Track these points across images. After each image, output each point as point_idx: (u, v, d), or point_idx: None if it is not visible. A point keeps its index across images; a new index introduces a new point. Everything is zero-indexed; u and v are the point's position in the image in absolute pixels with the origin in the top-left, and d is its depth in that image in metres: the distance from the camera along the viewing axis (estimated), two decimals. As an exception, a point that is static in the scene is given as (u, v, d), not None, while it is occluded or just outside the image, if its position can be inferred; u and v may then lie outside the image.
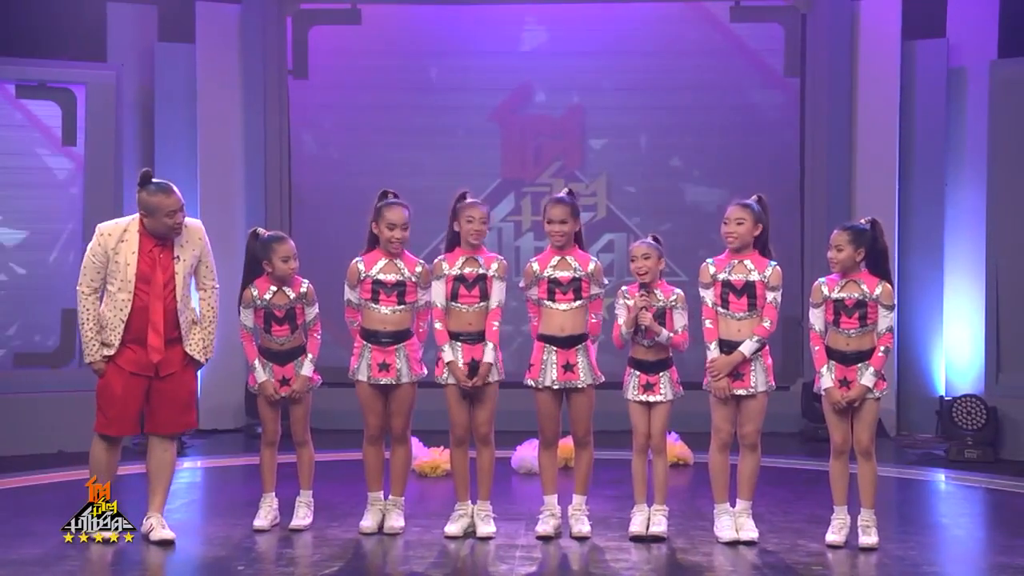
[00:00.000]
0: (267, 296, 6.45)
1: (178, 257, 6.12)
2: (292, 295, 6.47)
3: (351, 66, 11.09)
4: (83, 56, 10.26)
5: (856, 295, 6.08)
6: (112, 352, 6.06)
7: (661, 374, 6.28)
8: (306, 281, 6.56)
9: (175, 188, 6.15)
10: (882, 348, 6.08)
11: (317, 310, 6.58)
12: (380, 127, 11.05)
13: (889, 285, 6.14)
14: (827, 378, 6.11)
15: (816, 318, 6.18)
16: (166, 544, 6.03)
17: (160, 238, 6.09)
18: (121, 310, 6.03)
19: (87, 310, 6.07)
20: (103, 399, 6.12)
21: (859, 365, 6.06)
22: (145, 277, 6.03)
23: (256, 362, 6.48)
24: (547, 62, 11.00)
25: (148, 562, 5.82)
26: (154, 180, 6.14)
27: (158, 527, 6.10)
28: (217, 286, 6.35)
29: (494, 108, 11.08)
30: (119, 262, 6.03)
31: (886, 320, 6.10)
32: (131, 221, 6.13)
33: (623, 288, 6.39)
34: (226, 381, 10.54)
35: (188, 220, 6.21)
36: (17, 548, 6.01)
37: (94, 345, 6.08)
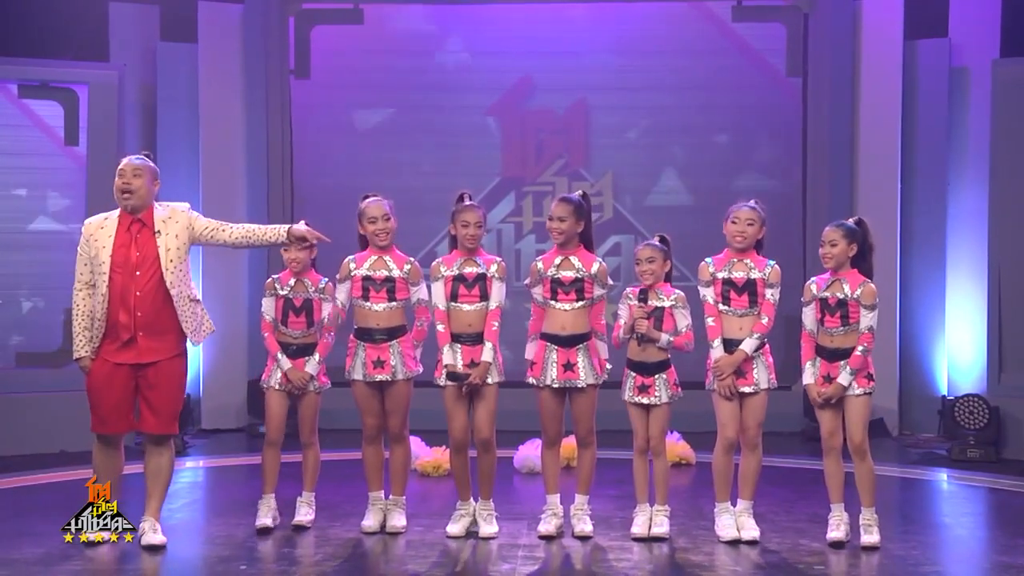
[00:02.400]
0: (289, 285, 6.52)
1: (159, 232, 6.02)
2: (311, 287, 6.51)
3: (353, 66, 11.09)
4: (85, 56, 10.27)
5: (838, 295, 6.10)
6: (96, 345, 6.01)
7: (657, 376, 6.27)
8: (325, 278, 6.61)
9: (136, 157, 6.14)
10: (860, 348, 6.08)
11: (331, 310, 6.59)
12: (382, 126, 11.05)
13: (872, 285, 6.15)
14: (808, 374, 6.18)
15: (806, 316, 6.24)
16: (155, 549, 5.96)
17: (128, 212, 6.03)
18: (102, 297, 5.98)
19: (76, 306, 6.08)
20: (92, 396, 6.08)
21: (841, 363, 6.08)
22: (121, 258, 5.97)
23: (279, 354, 6.49)
24: (549, 61, 10.99)
25: (150, 562, 5.82)
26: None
27: (149, 531, 6.04)
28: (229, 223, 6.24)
29: (494, 104, 11.07)
30: (97, 248, 6.02)
31: (867, 320, 6.10)
32: (116, 210, 6.13)
33: (627, 290, 6.41)
34: (228, 381, 10.55)
35: (175, 203, 6.21)
36: (19, 548, 6.01)
37: (80, 341, 6.05)
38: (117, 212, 6.10)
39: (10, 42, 9.95)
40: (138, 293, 5.96)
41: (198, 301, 6.19)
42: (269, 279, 6.62)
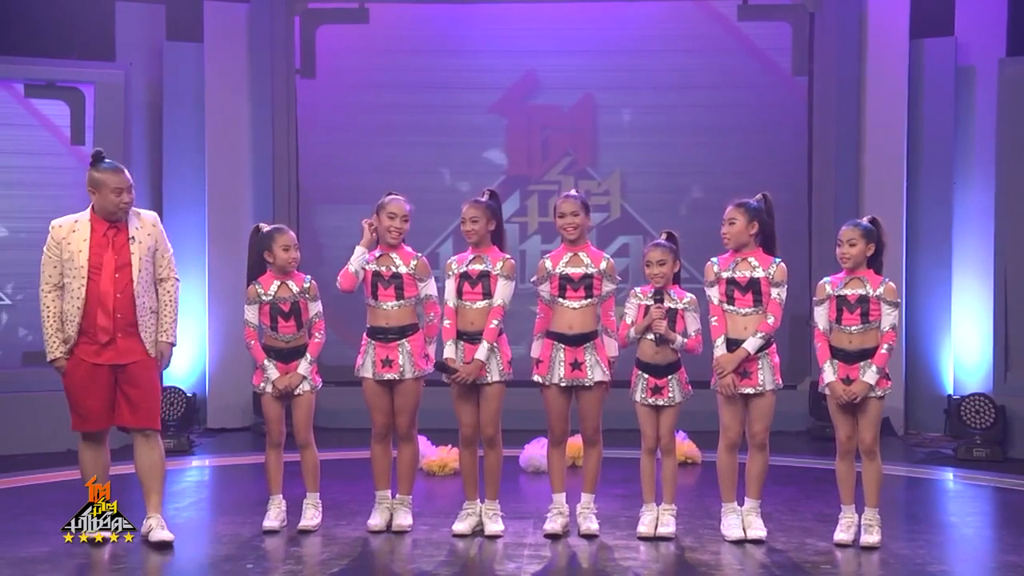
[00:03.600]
0: (272, 290, 6.47)
1: (133, 238, 6.08)
2: (296, 289, 6.49)
3: (359, 65, 11.09)
4: (92, 55, 10.28)
5: (860, 291, 6.08)
6: (70, 346, 6.04)
7: (670, 377, 6.28)
8: (309, 276, 6.58)
9: (125, 170, 6.18)
10: (885, 346, 6.07)
11: (320, 308, 6.57)
12: (387, 126, 11.03)
13: (892, 283, 6.14)
14: (829, 373, 6.12)
15: (819, 315, 6.20)
16: (164, 546, 6.00)
17: (110, 220, 6.07)
18: (77, 299, 6.01)
19: (46, 307, 6.09)
20: (71, 396, 6.11)
21: (861, 363, 6.06)
22: (97, 262, 6.02)
23: (266, 361, 6.47)
24: (555, 60, 10.96)
25: (157, 560, 5.84)
26: (106, 160, 6.19)
27: (157, 528, 6.07)
28: (178, 278, 6.29)
29: (499, 101, 11.04)
30: (71, 251, 6.04)
31: (890, 318, 6.09)
32: (84, 212, 6.16)
33: (636, 289, 6.40)
34: (234, 379, 10.55)
35: (144, 211, 6.26)
36: (26, 547, 6.03)
37: (54, 342, 6.08)
38: (87, 215, 6.14)
39: (16, 42, 9.97)
40: (118, 295, 6.02)
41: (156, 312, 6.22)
42: (251, 287, 6.53)
